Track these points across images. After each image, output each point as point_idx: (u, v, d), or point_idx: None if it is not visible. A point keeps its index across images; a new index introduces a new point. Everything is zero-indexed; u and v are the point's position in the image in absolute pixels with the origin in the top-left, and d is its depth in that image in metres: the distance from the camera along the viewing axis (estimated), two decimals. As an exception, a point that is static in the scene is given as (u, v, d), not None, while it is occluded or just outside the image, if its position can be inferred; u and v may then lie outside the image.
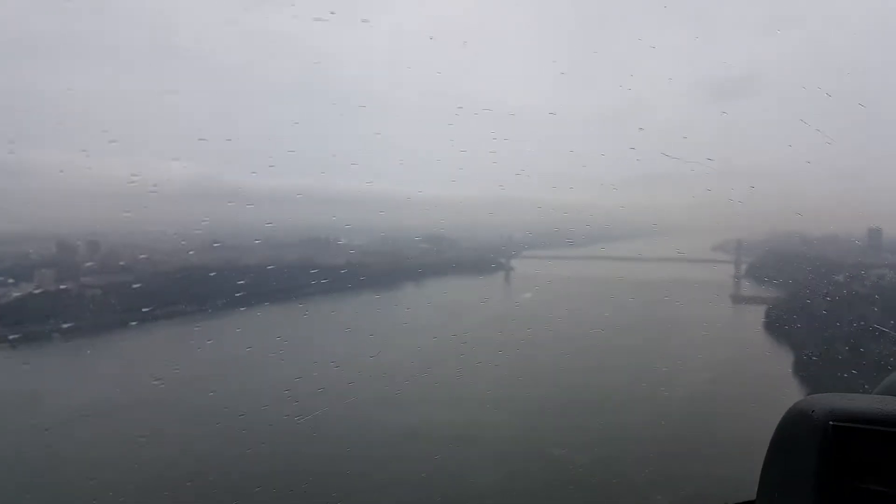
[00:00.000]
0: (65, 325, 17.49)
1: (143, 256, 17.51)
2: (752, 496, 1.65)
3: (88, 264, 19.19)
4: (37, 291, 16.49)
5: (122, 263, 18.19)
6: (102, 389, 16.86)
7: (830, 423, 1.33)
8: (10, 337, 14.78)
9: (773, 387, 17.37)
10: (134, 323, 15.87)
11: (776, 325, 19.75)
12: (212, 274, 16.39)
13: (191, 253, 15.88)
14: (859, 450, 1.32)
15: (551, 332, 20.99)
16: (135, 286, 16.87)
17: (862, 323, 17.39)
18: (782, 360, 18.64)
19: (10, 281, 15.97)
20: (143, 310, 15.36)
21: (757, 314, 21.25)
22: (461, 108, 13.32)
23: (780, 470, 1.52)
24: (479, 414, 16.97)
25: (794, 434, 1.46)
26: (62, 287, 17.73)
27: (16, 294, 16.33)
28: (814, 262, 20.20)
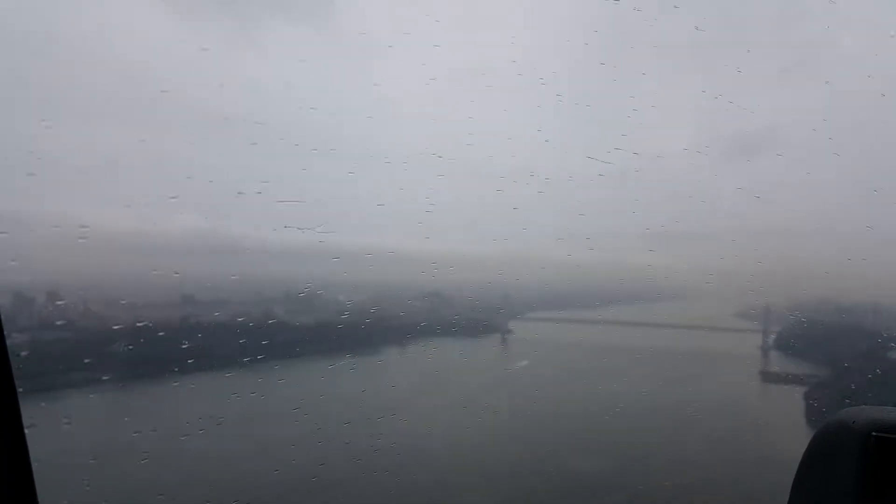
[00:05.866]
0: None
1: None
2: None
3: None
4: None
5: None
6: None
7: (873, 433, 1.27)
8: None
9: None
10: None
11: (814, 408, 16.79)
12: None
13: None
14: None
15: (547, 407, 18.17)
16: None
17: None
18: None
19: None
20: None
21: (791, 394, 18.25)
22: (462, 162, 12.87)
23: (817, 480, 1.42)
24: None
25: (832, 444, 1.37)
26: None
27: None
28: (854, 334, 17.44)
